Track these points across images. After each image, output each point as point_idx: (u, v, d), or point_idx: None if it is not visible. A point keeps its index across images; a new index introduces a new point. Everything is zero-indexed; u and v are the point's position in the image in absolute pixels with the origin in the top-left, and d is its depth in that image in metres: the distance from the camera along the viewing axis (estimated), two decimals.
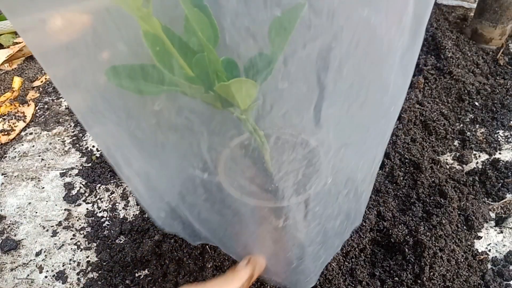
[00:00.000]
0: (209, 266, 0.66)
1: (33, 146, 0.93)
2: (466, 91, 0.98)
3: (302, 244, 0.47)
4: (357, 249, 0.67)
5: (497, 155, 0.86)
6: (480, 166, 0.83)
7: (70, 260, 0.71)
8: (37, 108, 1.03)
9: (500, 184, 0.79)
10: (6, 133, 0.95)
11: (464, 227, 0.72)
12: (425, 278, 0.63)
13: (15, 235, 0.75)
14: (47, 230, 0.76)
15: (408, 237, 0.68)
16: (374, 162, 0.46)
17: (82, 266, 0.70)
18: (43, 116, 1.01)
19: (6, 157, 0.90)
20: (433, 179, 0.79)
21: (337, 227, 0.50)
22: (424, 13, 0.33)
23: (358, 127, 0.39)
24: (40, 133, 0.96)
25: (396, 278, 0.64)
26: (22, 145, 0.93)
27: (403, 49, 0.34)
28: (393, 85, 0.36)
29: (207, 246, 0.68)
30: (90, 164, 0.88)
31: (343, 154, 0.40)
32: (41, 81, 1.12)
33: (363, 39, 0.31)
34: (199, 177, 0.43)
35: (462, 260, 0.66)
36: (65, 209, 0.79)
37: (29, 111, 1.01)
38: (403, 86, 0.38)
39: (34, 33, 0.28)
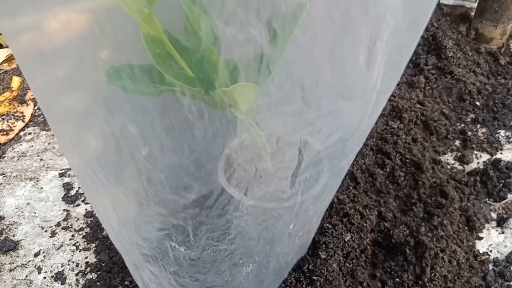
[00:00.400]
0: None
1: (32, 146, 0.92)
2: (467, 91, 0.98)
3: (262, 280, 0.55)
4: (357, 250, 0.67)
5: (498, 155, 0.85)
6: (481, 166, 0.83)
7: (69, 260, 0.70)
8: (36, 108, 1.03)
9: (501, 184, 0.79)
10: (5, 133, 0.94)
11: (466, 228, 0.72)
12: (426, 279, 0.62)
13: (13, 236, 0.75)
14: (46, 231, 0.75)
15: (409, 237, 0.68)
16: (326, 206, 0.56)
17: (81, 266, 0.69)
18: (42, 116, 1.01)
19: (4, 157, 0.90)
20: (434, 180, 0.78)
21: (289, 261, 0.59)
22: (383, 100, 0.42)
23: (320, 184, 0.47)
24: (39, 133, 0.95)
25: (397, 279, 0.64)
26: (21, 145, 0.93)
27: (364, 128, 0.43)
28: (352, 152, 0.47)
29: None
30: None
31: (306, 206, 0.48)
32: None
33: (339, 123, 0.40)
34: (174, 249, 0.46)
35: (464, 261, 0.66)
36: (64, 210, 0.79)
37: (28, 111, 1.01)
38: (357, 150, 0.48)
39: (24, 36, 0.27)
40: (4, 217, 0.78)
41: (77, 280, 0.68)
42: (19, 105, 1.02)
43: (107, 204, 0.42)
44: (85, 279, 0.67)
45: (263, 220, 0.46)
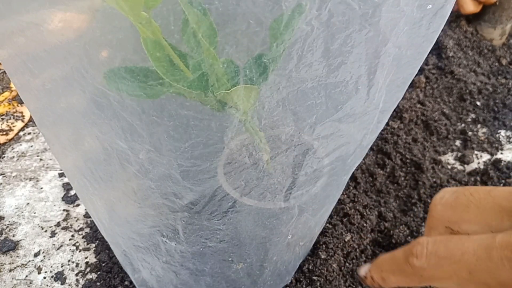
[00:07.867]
0: None
1: (32, 146, 0.92)
2: (467, 91, 0.98)
3: (256, 281, 0.56)
4: (357, 250, 0.67)
5: (498, 155, 0.85)
6: (482, 166, 0.83)
7: (69, 261, 0.70)
8: None
9: (501, 185, 0.78)
10: (4, 133, 0.94)
11: None
12: None
13: (13, 236, 0.75)
14: (46, 231, 0.75)
15: (409, 238, 0.68)
16: (327, 216, 0.57)
17: (81, 267, 0.69)
18: None
19: (4, 157, 0.90)
20: (434, 180, 0.78)
21: (290, 268, 0.60)
22: (386, 117, 0.43)
23: (317, 198, 0.47)
24: (39, 133, 0.95)
25: None
26: (21, 145, 0.93)
27: (365, 144, 0.44)
28: (353, 167, 0.47)
29: None
30: None
31: (306, 218, 0.48)
32: None
33: (337, 144, 0.40)
34: (165, 243, 0.46)
35: None
36: (63, 210, 0.79)
37: (27, 110, 1.01)
38: (358, 163, 0.49)
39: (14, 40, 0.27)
40: (3, 217, 0.77)
41: (77, 280, 0.67)
42: (19, 105, 1.02)
43: (97, 203, 0.42)
44: (85, 279, 0.67)
45: (254, 226, 0.46)
